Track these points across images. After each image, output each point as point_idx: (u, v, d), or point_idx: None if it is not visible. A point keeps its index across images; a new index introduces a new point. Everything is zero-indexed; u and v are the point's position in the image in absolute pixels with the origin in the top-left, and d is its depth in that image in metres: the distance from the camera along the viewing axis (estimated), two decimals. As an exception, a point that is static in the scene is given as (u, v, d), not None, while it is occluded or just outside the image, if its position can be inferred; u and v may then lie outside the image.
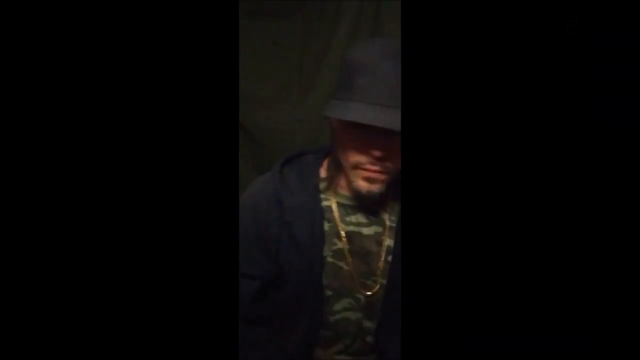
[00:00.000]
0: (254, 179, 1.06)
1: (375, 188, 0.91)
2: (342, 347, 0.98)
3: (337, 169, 0.96)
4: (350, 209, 0.98)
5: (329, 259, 0.96)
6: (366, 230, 0.97)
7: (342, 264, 0.96)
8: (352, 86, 0.88)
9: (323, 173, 0.99)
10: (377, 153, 0.89)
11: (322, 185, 0.98)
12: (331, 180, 0.98)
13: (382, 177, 0.91)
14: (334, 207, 0.97)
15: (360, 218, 0.98)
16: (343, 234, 0.96)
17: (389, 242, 0.97)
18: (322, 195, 0.98)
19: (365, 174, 0.91)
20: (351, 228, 0.97)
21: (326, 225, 0.97)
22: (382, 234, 0.97)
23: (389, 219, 0.98)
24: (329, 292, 0.96)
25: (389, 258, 0.97)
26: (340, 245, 0.96)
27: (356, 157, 0.91)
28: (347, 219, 0.97)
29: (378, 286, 0.96)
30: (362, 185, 0.92)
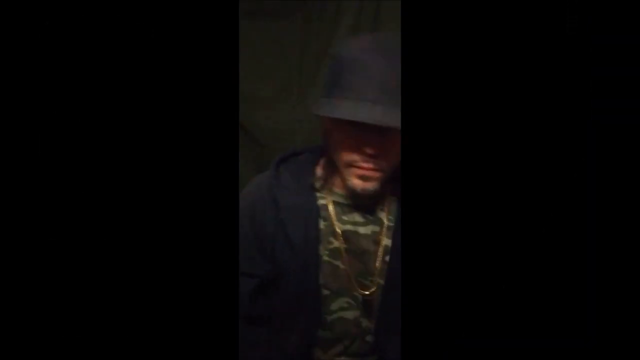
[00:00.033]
0: (253, 178, 1.06)
1: (370, 186, 0.91)
2: (342, 348, 0.98)
3: (332, 167, 0.95)
4: (346, 207, 0.97)
5: (325, 258, 0.96)
6: (363, 230, 0.97)
7: (338, 263, 0.96)
8: (342, 83, 0.87)
9: (319, 172, 0.99)
10: (369, 150, 0.88)
11: (318, 184, 0.98)
12: (327, 179, 0.97)
13: (376, 174, 0.90)
14: (330, 206, 0.97)
15: (356, 217, 0.97)
16: (339, 232, 0.96)
17: (386, 241, 0.96)
18: (318, 194, 0.98)
19: (359, 172, 0.90)
20: (348, 227, 0.96)
21: (322, 224, 0.96)
22: (380, 233, 0.96)
23: (387, 219, 0.97)
24: (326, 292, 0.96)
25: (387, 258, 0.96)
26: (336, 244, 0.96)
27: (349, 155, 0.90)
28: (344, 217, 0.97)
29: (375, 286, 0.95)
30: (357, 183, 0.91)
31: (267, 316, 1.00)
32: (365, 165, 0.89)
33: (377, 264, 0.96)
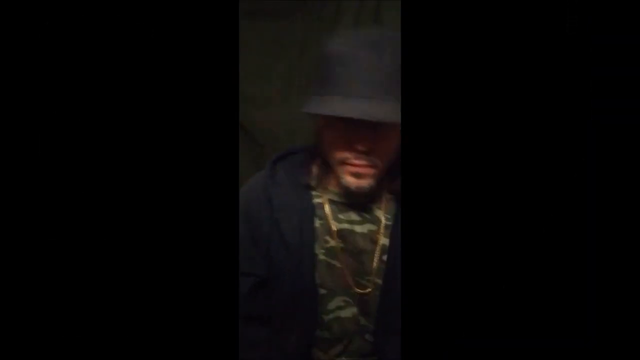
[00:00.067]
0: (252, 178, 1.05)
1: (364, 183, 0.90)
2: (342, 348, 0.97)
3: (327, 166, 0.94)
4: (342, 206, 0.96)
5: (321, 257, 0.95)
6: (359, 228, 0.95)
7: (335, 262, 0.95)
8: (330, 79, 0.86)
9: (315, 170, 0.97)
10: (361, 147, 0.87)
11: (313, 183, 0.97)
12: (322, 177, 0.96)
13: (370, 171, 0.89)
14: (326, 204, 0.96)
15: (353, 216, 0.96)
16: (335, 231, 0.95)
17: (384, 240, 0.95)
18: (314, 193, 0.97)
19: (352, 169, 0.89)
20: (344, 226, 0.95)
21: (317, 223, 0.95)
22: (377, 232, 0.95)
23: (385, 217, 0.96)
24: (322, 291, 0.95)
25: (385, 257, 0.95)
26: (332, 243, 0.95)
27: (341, 153, 0.89)
28: (340, 216, 0.96)
29: (372, 286, 0.94)
30: (351, 181, 0.90)
31: (266, 316, 0.99)
32: (358, 162, 0.88)
33: (374, 263, 0.95)
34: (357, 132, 0.86)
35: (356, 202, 0.95)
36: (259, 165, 1.57)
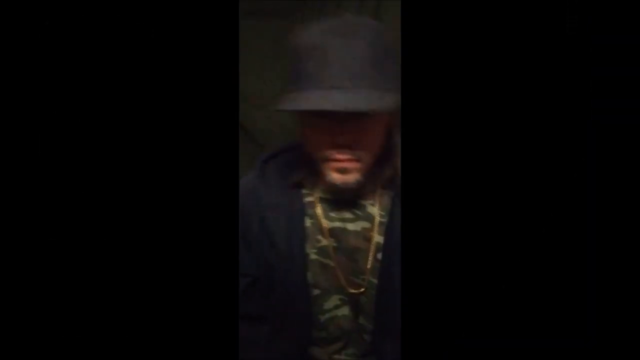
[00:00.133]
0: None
1: (350, 178, 0.86)
2: (340, 347, 0.96)
3: (314, 164, 0.90)
4: (334, 204, 0.93)
5: (313, 257, 0.92)
6: (351, 226, 0.92)
7: (328, 261, 0.92)
8: (303, 74, 0.81)
9: (305, 169, 0.94)
10: (343, 140, 0.83)
11: (304, 181, 0.94)
12: (312, 175, 0.93)
13: (356, 165, 0.85)
14: (317, 203, 0.93)
15: (345, 213, 0.93)
16: (327, 230, 0.92)
17: (378, 238, 0.92)
18: (305, 191, 0.94)
19: (336, 164, 0.85)
20: (336, 224, 0.93)
21: (308, 222, 0.93)
22: (371, 230, 0.92)
23: (379, 214, 0.92)
24: (316, 291, 0.93)
25: (379, 255, 0.92)
26: (324, 242, 0.92)
27: (323, 149, 0.85)
28: (332, 214, 0.93)
29: (367, 285, 0.92)
30: (336, 177, 0.86)
31: (262, 316, 0.98)
32: (341, 156, 0.84)
33: (369, 261, 0.92)
34: (337, 126, 0.83)
35: (348, 199, 0.93)
36: (259, 165, 1.57)
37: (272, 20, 1.61)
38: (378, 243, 0.92)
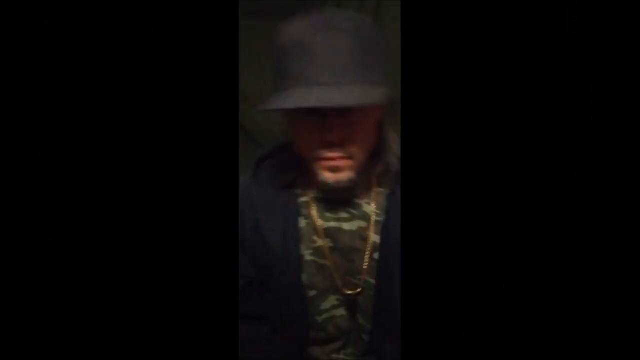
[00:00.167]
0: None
1: (343, 177, 0.84)
2: (340, 346, 0.96)
3: (306, 164, 0.89)
4: (329, 203, 0.91)
5: (309, 258, 0.91)
6: (347, 226, 0.91)
7: (324, 262, 0.91)
8: (287, 72, 0.80)
9: (298, 169, 0.93)
10: (333, 138, 0.81)
11: (297, 181, 0.93)
12: (305, 175, 0.91)
13: (347, 163, 0.84)
14: (312, 203, 0.92)
15: (340, 213, 0.91)
16: (322, 230, 0.91)
17: (374, 238, 0.90)
18: (299, 191, 0.93)
19: (328, 163, 0.83)
20: (331, 224, 0.91)
21: (303, 222, 0.92)
22: (367, 229, 0.90)
23: (375, 213, 0.91)
24: (313, 292, 0.92)
25: (376, 255, 0.90)
26: (320, 242, 0.91)
27: (313, 148, 0.83)
28: (327, 214, 0.91)
29: (363, 285, 0.91)
30: (328, 176, 0.84)
31: (262, 316, 0.98)
32: (332, 155, 0.83)
33: (365, 261, 0.90)
34: (326, 124, 0.81)
35: (343, 198, 0.91)
36: (259, 165, 1.57)
37: (272, 20, 1.61)
38: (374, 242, 0.91)
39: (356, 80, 0.79)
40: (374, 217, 0.91)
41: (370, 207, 0.92)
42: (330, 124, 0.81)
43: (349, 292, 0.91)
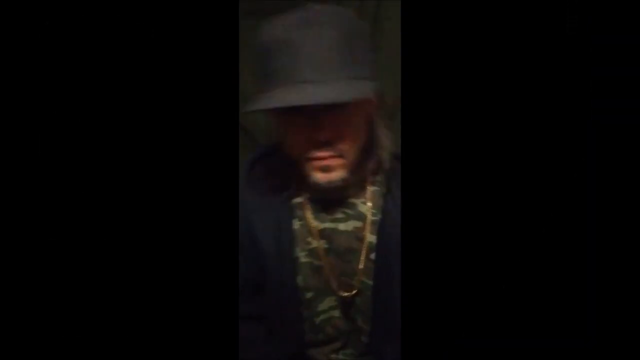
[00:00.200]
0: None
1: (335, 176, 0.82)
2: (339, 346, 0.96)
3: (297, 165, 0.86)
4: (323, 204, 0.89)
5: (304, 259, 0.90)
6: (343, 226, 0.89)
7: (319, 263, 0.89)
8: (270, 71, 0.77)
9: (291, 169, 0.91)
10: (322, 136, 0.79)
11: (291, 182, 0.91)
12: (297, 176, 0.89)
13: (339, 162, 0.82)
14: (306, 203, 0.90)
15: (335, 213, 0.90)
16: (317, 231, 0.89)
17: (370, 238, 0.89)
18: (292, 192, 0.91)
19: (318, 163, 0.81)
20: (326, 224, 0.89)
21: (296, 224, 0.90)
22: (363, 229, 0.89)
23: (371, 212, 0.89)
24: (309, 294, 0.90)
25: (372, 255, 0.89)
26: (315, 243, 0.89)
27: (302, 148, 0.81)
28: (322, 215, 0.90)
29: (360, 286, 0.90)
30: (319, 177, 0.82)
31: (260, 316, 0.97)
32: (322, 154, 0.81)
33: (362, 262, 0.89)
34: (314, 122, 0.78)
35: (337, 198, 0.89)
36: (259, 165, 1.57)
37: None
38: (371, 243, 0.90)
39: (341, 76, 0.76)
40: (369, 217, 0.90)
41: (366, 207, 0.90)
42: (319, 122, 0.79)
43: (345, 294, 0.90)
